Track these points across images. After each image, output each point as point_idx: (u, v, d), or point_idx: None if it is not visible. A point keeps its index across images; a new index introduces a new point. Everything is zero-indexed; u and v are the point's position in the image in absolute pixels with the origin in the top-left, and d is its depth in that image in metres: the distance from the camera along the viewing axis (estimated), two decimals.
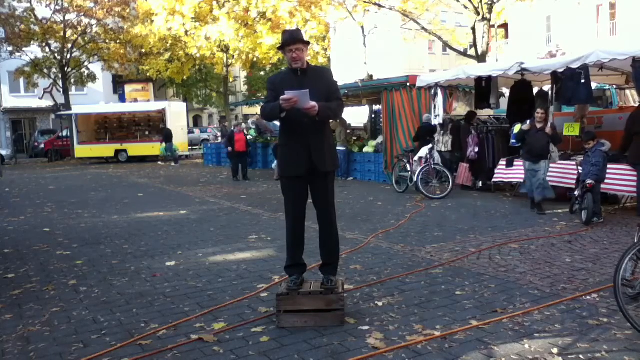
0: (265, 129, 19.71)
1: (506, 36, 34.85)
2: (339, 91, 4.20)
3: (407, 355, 3.41)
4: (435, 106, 11.16)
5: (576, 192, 7.75)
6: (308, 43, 4.11)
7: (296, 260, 4.15)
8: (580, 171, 7.77)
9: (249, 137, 19.94)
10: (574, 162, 8.50)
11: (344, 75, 29.80)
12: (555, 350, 3.39)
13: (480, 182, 10.78)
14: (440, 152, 11.16)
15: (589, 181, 7.22)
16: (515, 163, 9.63)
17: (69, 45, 27.78)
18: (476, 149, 10.68)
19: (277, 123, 4.19)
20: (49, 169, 23.06)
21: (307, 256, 4.34)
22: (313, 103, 3.79)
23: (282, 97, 3.76)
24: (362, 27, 27.83)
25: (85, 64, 29.36)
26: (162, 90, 40.70)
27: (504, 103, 11.35)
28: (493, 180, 10.20)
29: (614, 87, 12.18)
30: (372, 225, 7.72)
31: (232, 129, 16.21)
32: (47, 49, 27.74)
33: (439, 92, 10.99)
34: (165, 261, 6.00)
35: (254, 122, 21.76)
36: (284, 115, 3.89)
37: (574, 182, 8.24)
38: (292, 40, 3.93)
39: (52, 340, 3.84)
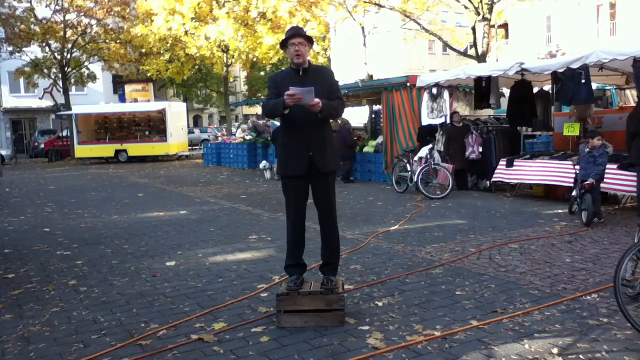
0: (263, 129, 19.74)
1: (506, 36, 34.86)
2: (339, 90, 4.20)
3: (407, 355, 3.41)
4: (437, 106, 11.14)
5: (574, 193, 7.73)
6: (311, 40, 4.09)
7: (296, 260, 4.14)
8: (577, 171, 7.73)
9: (248, 137, 20.02)
10: (571, 162, 8.50)
11: (344, 75, 29.80)
12: (555, 350, 3.39)
13: (488, 182, 10.75)
14: (440, 152, 11.16)
15: (588, 181, 7.20)
16: (515, 163, 9.64)
17: (69, 45, 27.80)
18: (480, 149, 10.68)
19: (277, 122, 4.19)
20: (49, 169, 23.07)
21: (307, 256, 4.34)
22: (317, 99, 3.80)
23: (286, 92, 3.76)
24: (362, 27, 27.82)
25: (85, 64, 29.38)
26: (162, 90, 40.72)
27: (504, 103, 11.35)
28: (492, 180, 10.20)
29: (614, 87, 12.18)
30: (372, 225, 7.71)
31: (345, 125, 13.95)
32: (47, 49, 27.75)
33: (445, 92, 10.98)
34: (165, 261, 5.99)
35: (252, 123, 21.77)
36: (287, 112, 3.89)
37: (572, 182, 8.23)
38: (296, 34, 3.93)
39: (52, 340, 3.83)
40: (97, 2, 27.30)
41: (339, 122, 14.24)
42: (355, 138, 14.45)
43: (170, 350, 3.58)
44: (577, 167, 7.71)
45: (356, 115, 18.29)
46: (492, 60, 23.30)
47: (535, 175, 9.29)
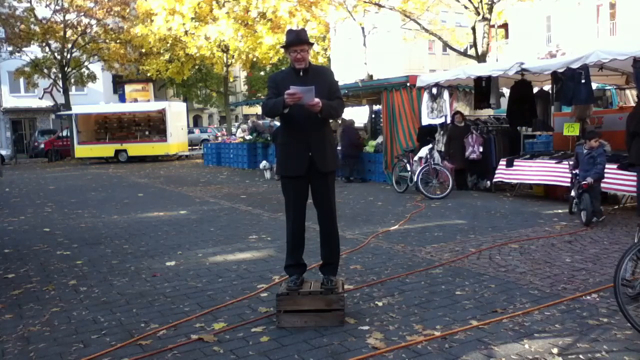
0: (263, 129, 19.77)
1: (506, 36, 34.86)
2: (339, 91, 4.21)
3: (407, 355, 3.41)
4: (437, 106, 11.14)
5: (572, 193, 7.72)
6: (312, 44, 4.12)
7: (296, 260, 4.14)
8: (574, 173, 7.71)
9: (248, 137, 20.02)
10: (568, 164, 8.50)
11: (344, 75, 29.82)
12: (555, 350, 3.39)
13: (489, 182, 10.76)
14: (440, 152, 11.16)
15: (585, 181, 7.19)
16: (515, 163, 9.63)
17: (69, 45, 27.80)
18: (480, 149, 10.69)
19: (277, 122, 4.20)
20: (49, 169, 23.07)
21: (307, 256, 4.34)
22: (317, 99, 3.80)
23: (287, 91, 3.77)
24: (362, 27, 27.82)
25: (85, 64, 29.37)
26: (162, 90, 40.72)
27: (504, 103, 11.34)
28: (494, 180, 10.20)
29: (614, 87, 12.18)
30: (372, 225, 7.71)
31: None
32: (47, 49, 27.74)
33: (445, 92, 10.97)
34: (165, 261, 6.00)
35: (252, 122, 21.77)
36: (286, 111, 3.89)
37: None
38: (298, 41, 3.94)
39: (52, 340, 3.83)
40: (97, 2, 27.28)
41: (339, 122, 14.26)
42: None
43: (170, 350, 3.58)
44: (577, 170, 7.67)
45: (356, 115, 18.30)
46: (492, 60, 23.30)
47: (535, 175, 9.29)
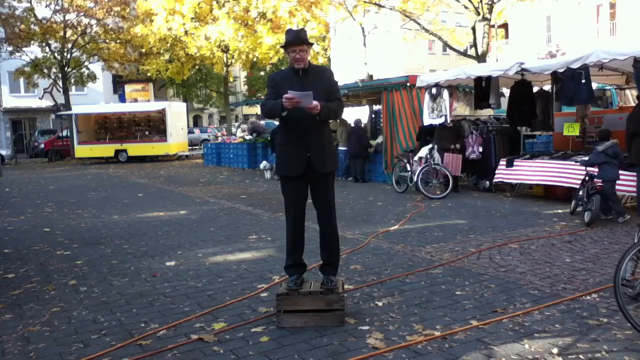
0: (263, 130, 19.76)
1: (506, 36, 34.85)
2: (339, 92, 4.20)
3: (407, 355, 3.41)
4: (437, 106, 11.12)
5: (581, 192, 7.71)
6: (312, 44, 4.10)
7: (296, 260, 4.14)
8: (590, 170, 7.70)
9: (248, 137, 20.02)
10: (573, 162, 8.49)
11: (344, 75, 29.80)
12: (555, 350, 3.39)
13: (488, 182, 10.75)
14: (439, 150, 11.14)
15: (600, 183, 7.21)
16: (515, 163, 9.63)
17: (69, 45, 27.79)
18: (480, 149, 10.68)
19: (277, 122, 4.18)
20: (49, 169, 23.07)
21: (307, 256, 4.34)
22: (315, 102, 3.79)
23: (285, 95, 3.76)
24: (362, 27, 27.82)
25: (85, 63, 29.37)
26: (162, 90, 40.71)
27: (504, 103, 11.34)
28: (494, 180, 10.20)
29: (614, 87, 12.18)
30: (372, 225, 7.71)
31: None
32: (47, 49, 27.74)
33: (445, 92, 10.96)
34: (165, 261, 6.00)
35: (251, 123, 21.77)
36: (285, 114, 3.89)
37: (575, 182, 8.22)
38: (297, 41, 3.92)
39: (52, 340, 3.83)
40: (97, 2, 27.29)
41: (338, 122, 14.24)
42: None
43: (170, 350, 3.58)
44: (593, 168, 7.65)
45: (356, 115, 18.29)
46: (492, 60, 23.30)
47: (535, 175, 9.29)
